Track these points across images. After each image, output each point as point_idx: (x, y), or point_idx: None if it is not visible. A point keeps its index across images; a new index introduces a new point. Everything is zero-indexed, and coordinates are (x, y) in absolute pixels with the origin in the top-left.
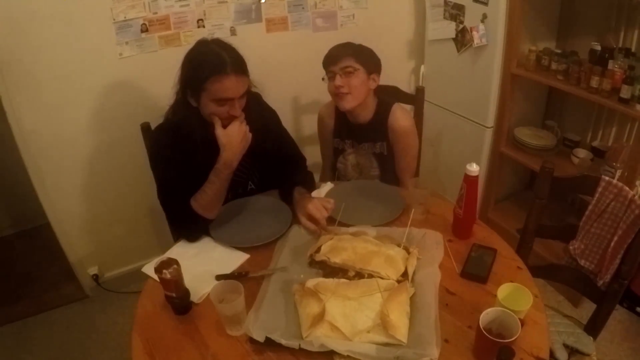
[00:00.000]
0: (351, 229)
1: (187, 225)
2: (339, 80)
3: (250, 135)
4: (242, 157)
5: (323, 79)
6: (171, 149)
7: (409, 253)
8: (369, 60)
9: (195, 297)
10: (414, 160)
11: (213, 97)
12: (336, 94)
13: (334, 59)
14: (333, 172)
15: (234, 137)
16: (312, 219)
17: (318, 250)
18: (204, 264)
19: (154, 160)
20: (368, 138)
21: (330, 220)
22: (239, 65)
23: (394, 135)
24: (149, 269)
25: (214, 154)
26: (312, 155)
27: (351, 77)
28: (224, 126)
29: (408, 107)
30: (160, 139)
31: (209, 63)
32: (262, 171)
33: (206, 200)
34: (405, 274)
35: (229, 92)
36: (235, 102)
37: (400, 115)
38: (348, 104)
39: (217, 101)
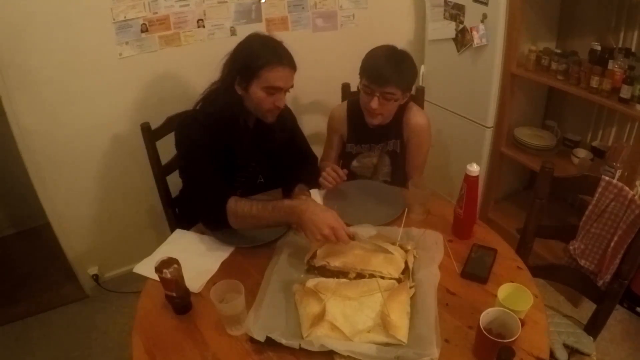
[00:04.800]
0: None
1: (219, 213)
2: (375, 103)
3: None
4: (259, 151)
5: (358, 89)
6: (203, 139)
7: (405, 251)
8: (410, 83)
9: (195, 287)
10: (425, 157)
11: (265, 85)
12: (368, 110)
13: (379, 82)
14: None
15: (318, 218)
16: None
17: (314, 255)
18: (193, 258)
19: (190, 143)
20: (384, 137)
21: None
22: (291, 60)
23: (410, 131)
24: (141, 269)
25: (246, 143)
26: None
27: (389, 102)
28: (266, 116)
29: None
30: (194, 127)
31: (266, 53)
32: (273, 166)
33: (246, 216)
34: (405, 271)
35: (281, 81)
36: (282, 94)
37: (417, 112)
38: (377, 121)
39: (267, 89)
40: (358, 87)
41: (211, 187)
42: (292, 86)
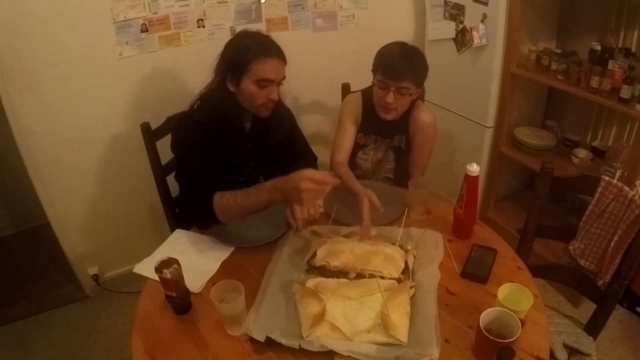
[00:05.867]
0: (343, 230)
1: (205, 211)
2: (391, 98)
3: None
4: (256, 151)
5: (373, 84)
6: (198, 140)
7: (405, 251)
8: (423, 78)
9: (195, 287)
10: (428, 156)
11: (256, 78)
12: (382, 105)
13: (395, 77)
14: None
15: (292, 184)
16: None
17: (314, 255)
18: (193, 258)
19: (182, 143)
20: (391, 132)
21: (326, 218)
22: (280, 51)
23: (415, 127)
24: (141, 269)
25: (242, 142)
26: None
27: (404, 97)
28: (260, 110)
29: None
30: (189, 128)
31: (254, 46)
32: (273, 165)
33: (232, 207)
34: (405, 270)
35: (272, 73)
36: (275, 86)
37: (424, 110)
38: (391, 117)
39: (259, 82)
40: (373, 83)
41: (198, 185)
42: (284, 78)
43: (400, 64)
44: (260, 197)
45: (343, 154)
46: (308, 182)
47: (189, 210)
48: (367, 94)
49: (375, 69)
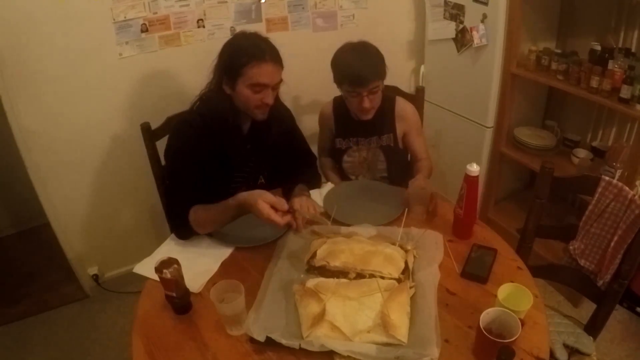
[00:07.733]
0: (343, 230)
1: (183, 224)
2: (367, 103)
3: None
4: (255, 151)
5: (345, 97)
6: (193, 145)
7: (405, 251)
8: (385, 69)
9: (195, 287)
10: (423, 135)
11: (250, 82)
12: (361, 110)
13: (363, 82)
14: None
15: (255, 195)
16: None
17: (314, 255)
18: (193, 258)
19: (173, 151)
20: (374, 132)
21: (326, 218)
22: (276, 55)
23: (406, 118)
24: (141, 269)
25: (240, 143)
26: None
27: (376, 94)
28: (256, 113)
29: None
30: (185, 132)
31: (249, 50)
32: (273, 166)
33: (206, 221)
34: (405, 270)
35: (266, 78)
36: (269, 90)
37: (404, 102)
38: (370, 115)
39: (253, 87)
40: (343, 94)
41: (178, 200)
42: (279, 82)
43: (361, 69)
44: (229, 210)
45: (325, 154)
46: (263, 203)
47: (173, 224)
48: (338, 100)
49: (339, 82)
